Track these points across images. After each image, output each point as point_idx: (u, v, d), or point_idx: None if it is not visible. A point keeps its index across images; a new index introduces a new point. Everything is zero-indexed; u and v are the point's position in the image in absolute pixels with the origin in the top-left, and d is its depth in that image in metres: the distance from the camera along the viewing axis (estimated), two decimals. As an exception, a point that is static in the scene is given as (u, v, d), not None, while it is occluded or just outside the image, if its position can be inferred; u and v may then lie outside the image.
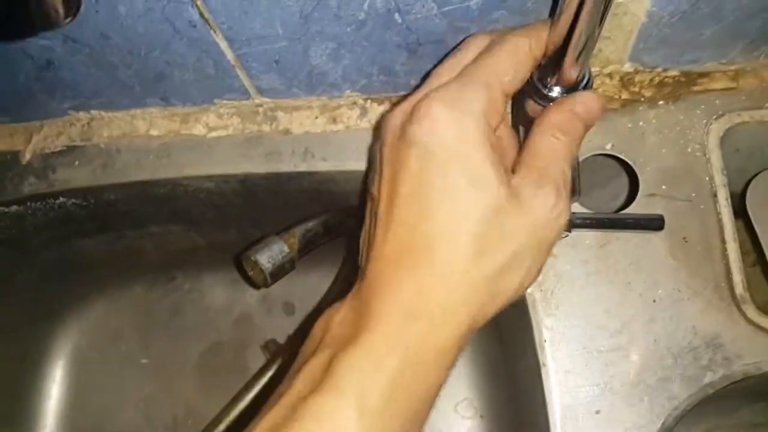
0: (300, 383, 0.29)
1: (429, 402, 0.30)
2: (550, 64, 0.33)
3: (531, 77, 0.34)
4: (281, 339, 0.67)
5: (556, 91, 0.34)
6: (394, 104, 0.36)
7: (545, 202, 0.31)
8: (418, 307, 0.29)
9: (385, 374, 0.28)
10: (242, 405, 0.60)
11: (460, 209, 0.29)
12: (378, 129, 0.44)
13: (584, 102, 0.33)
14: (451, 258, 0.29)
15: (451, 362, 0.30)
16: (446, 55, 0.39)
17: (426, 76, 0.44)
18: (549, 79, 0.34)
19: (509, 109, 0.38)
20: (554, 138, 0.32)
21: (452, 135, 0.29)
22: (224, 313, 0.69)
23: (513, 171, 0.32)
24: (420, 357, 0.29)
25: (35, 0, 0.18)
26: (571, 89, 0.34)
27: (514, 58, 0.32)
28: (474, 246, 0.29)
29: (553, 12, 0.33)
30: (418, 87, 0.41)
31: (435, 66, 0.37)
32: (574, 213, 0.40)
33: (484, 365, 0.63)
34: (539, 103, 0.35)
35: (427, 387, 0.29)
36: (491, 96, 0.31)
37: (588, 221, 0.40)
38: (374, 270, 0.31)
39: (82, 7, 0.20)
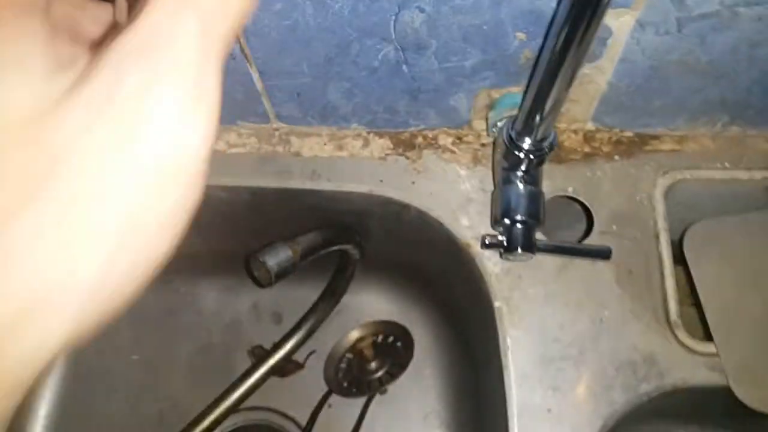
0: None
1: None
2: (524, 121, 0.42)
3: (508, 130, 0.44)
4: (267, 345, 0.73)
5: (527, 143, 0.44)
6: None
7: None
8: None
9: None
10: (226, 404, 0.65)
11: None
12: None
13: None
14: None
15: None
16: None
17: (422, 117, 0.52)
18: (521, 133, 0.44)
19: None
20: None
21: None
22: (216, 318, 0.74)
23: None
24: None
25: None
26: (538, 143, 0.44)
27: None
28: None
29: (530, 79, 0.42)
30: (417, 125, 0.49)
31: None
32: (539, 240, 0.48)
33: (452, 380, 0.69)
34: (513, 154, 0.45)
35: None
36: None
37: (549, 247, 0.47)
38: None
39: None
